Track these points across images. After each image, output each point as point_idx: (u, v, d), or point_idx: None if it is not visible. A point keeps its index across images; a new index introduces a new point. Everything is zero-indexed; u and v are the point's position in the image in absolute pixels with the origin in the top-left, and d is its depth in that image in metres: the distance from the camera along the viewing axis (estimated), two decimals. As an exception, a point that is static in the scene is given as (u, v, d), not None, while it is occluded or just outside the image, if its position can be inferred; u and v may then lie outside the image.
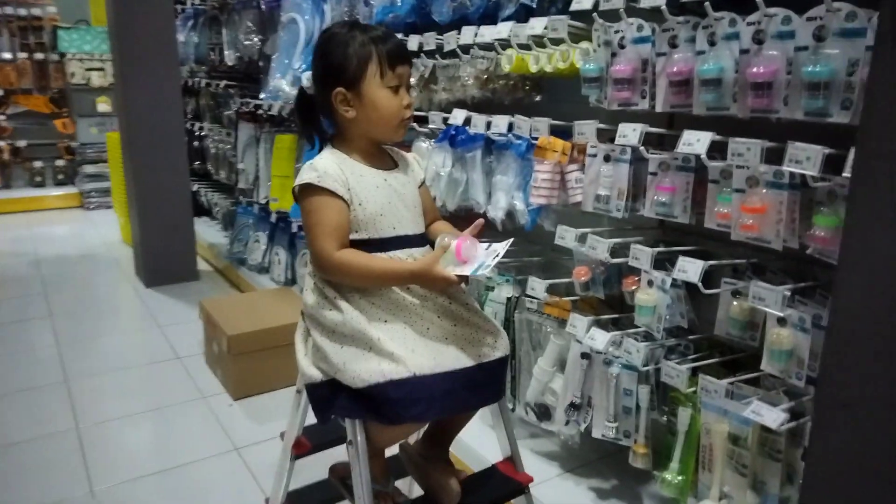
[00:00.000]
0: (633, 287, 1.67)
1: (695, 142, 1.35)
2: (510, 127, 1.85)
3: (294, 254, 3.48)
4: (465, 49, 2.01)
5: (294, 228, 3.32)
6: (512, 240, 1.38)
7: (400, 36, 2.27)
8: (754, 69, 1.27)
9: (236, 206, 4.16)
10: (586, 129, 1.59)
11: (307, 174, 1.33)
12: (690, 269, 1.37)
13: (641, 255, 1.50)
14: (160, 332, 3.31)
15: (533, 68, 1.85)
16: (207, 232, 4.72)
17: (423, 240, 1.48)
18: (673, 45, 1.46)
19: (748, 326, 1.49)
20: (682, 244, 1.79)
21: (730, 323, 1.51)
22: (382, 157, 1.48)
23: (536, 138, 1.79)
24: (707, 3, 1.32)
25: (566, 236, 1.69)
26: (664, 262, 1.59)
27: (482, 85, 2.00)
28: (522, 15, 1.96)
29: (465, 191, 2.10)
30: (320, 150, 1.48)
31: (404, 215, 1.43)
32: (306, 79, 1.36)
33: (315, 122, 1.46)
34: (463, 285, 1.36)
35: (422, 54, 2.22)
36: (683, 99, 1.46)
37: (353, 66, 1.32)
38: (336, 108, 1.36)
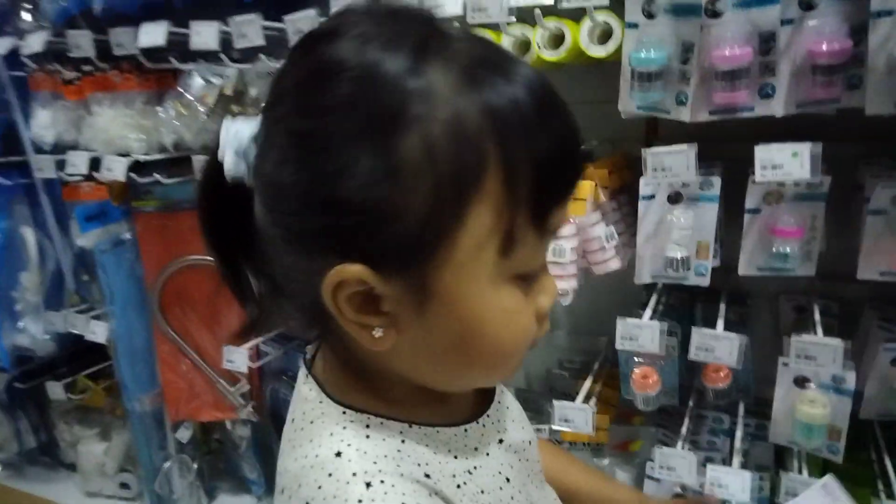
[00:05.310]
0: (721, 384, 1.10)
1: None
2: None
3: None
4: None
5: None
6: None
7: (156, 28, 1.23)
8: None
9: None
10: (674, 163, 0.92)
11: None
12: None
13: (822, 350, 0.92)
14: None
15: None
16: None
17: None
18: (808, 6, 0.87)
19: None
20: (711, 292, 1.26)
21: (896, 401, 1.05)
22: None
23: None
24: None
25: (639, 336, 1.02)
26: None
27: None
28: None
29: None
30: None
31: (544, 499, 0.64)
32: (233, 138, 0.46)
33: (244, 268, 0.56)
34: None
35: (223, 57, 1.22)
36: (833, 92, 0.89)
37: (425, 204, 0.43)
38: (336, 309, 0.47)
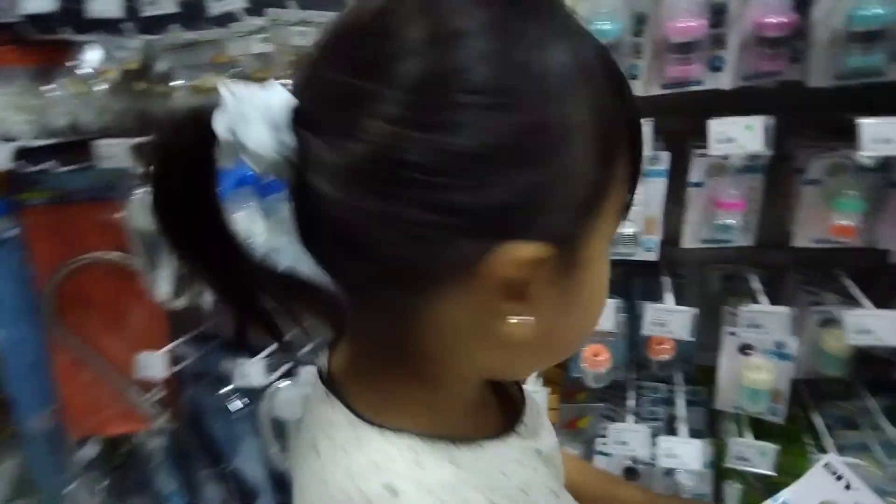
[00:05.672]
0: (664, 355, 1.12)
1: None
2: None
3: None
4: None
5: None
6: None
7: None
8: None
9: None
10: (630, 137, 0.92)
11: None
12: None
13: (768, 318, 0.96)
14: None
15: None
16: None
17: None
18: (752, -22, 0.88)
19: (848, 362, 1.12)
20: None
21: (825, 360, 1.11)
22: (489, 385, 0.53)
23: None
24: None
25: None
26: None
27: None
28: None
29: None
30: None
31: None
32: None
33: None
34: None
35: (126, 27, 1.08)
36: (778, 65, 0.91)
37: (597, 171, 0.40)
38: (486, 300, 0.39)
